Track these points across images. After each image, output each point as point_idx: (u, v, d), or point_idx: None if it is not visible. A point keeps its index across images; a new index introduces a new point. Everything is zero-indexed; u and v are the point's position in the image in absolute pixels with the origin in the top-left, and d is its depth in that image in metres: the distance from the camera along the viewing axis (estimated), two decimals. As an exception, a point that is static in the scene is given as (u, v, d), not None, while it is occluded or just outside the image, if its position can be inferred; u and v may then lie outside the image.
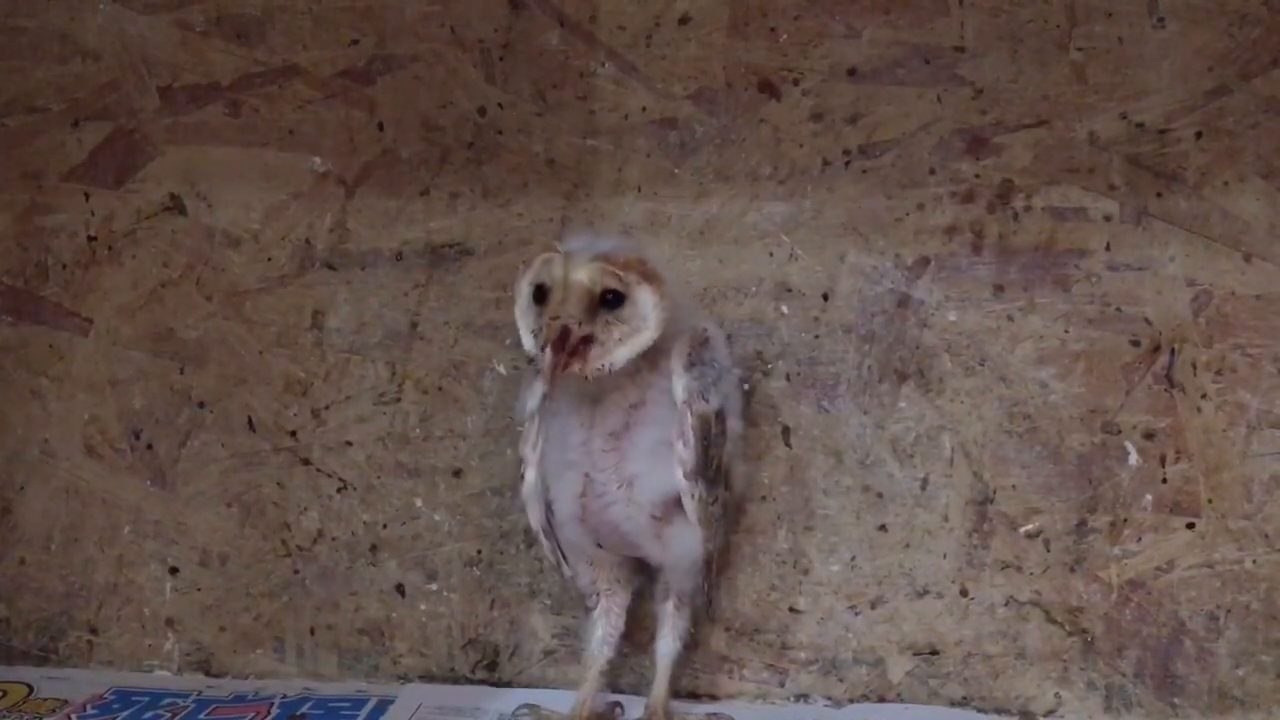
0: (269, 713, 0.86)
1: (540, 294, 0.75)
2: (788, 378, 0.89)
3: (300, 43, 0.92)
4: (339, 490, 0.93)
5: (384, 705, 0.87)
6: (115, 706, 0.87)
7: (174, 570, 0.95)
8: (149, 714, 0.86)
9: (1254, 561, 0.85)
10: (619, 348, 0.74)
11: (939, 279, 0.87)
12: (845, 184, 0.88)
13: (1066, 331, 0.86)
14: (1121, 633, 0.86)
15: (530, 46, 0.90)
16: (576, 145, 0.90)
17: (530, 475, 0.80)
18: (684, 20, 0.89)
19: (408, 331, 0.92)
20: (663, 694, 0.82)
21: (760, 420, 0.89)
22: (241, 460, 0.94)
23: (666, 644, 0.83)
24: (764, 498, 0.89)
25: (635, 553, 0.81)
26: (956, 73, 0.86)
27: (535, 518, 0.81)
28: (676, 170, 0.89)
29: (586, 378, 0.74)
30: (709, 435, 0.77)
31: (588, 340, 0.74)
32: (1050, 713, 0.87)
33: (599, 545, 0.80)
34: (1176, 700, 0.86)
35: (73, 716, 0.86)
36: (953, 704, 0.88)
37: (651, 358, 0.76)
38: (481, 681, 0.92)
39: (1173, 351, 0.85)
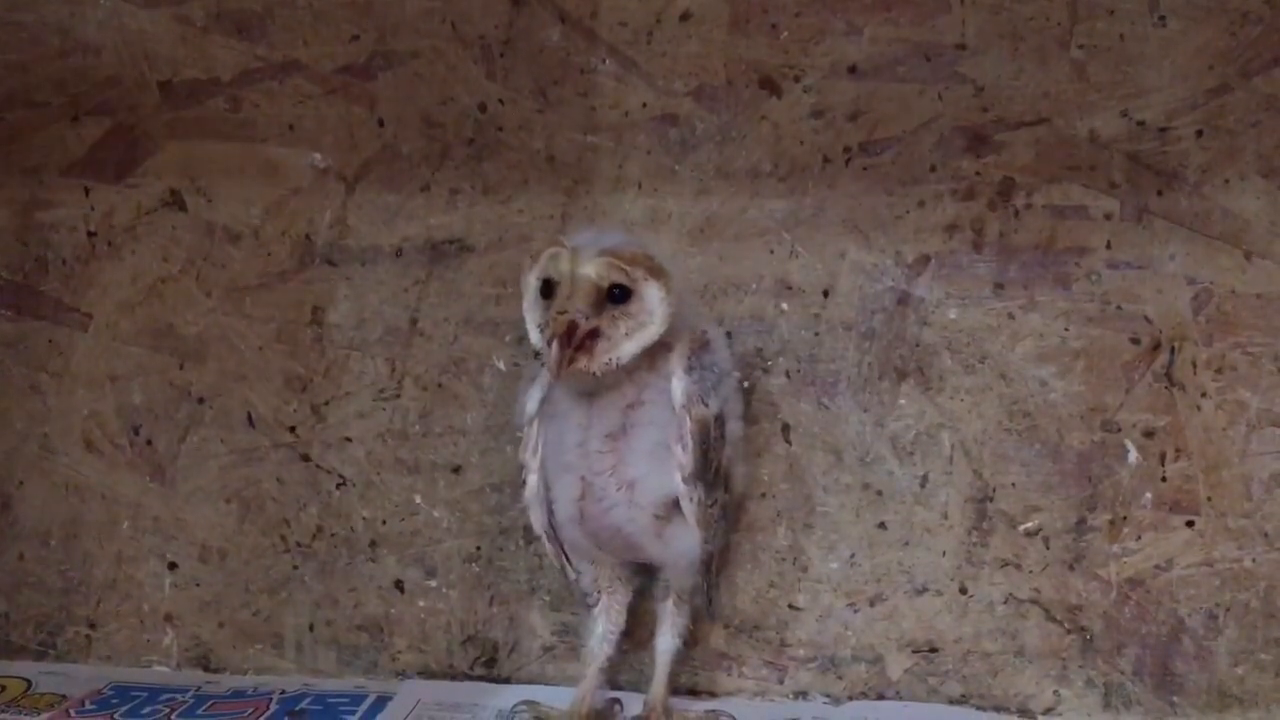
0: (268, 709, 0.86)
1: (547, 288, 0.75)
2: (788, 375, 0.89)
3: (301, 38, 0.92)
4: (338, 486, 0.93)
5: (383, 701, 0.87)
6: (114, 702, 0.87)
7: (173, 566, 0.95)
8: (147, 709, 0.86)
9: (1253, 560, 0.85)
10: (626, 342, 0.74)
11: (939, 276, 0.87)
12: (846, 181, 0.88)
13: (1067, 329, 0.86)
14: (1120, 631, 0.86)
15: (531, 43, 0.90)
16: (577, 142, 0.90)
17: (531, 480, 0.80)
18: (685, 17, 0.88)
19: (408, 328, 0.92)
20: (662, 691, 0.82)
21: (760, 418, 0.89)
22: (241, 456, 0.94)
23: (666, 641, 0.83)
24: (764, 495, 0.89)
25: (636, 555, 0.81)
26: (957, 70, 0.86)
27: (538, 522, 0.81)
28: (677, 167, 0.89)
29: (594, 373, 0.74)
30: (708, 439, 0.77)
31: (594, 335, 0.73)
32: (1049, 710, 0.87)
33: (599, 548, 0.80)
34: (1175, 698, 0.86)
35: (71, 712, 0.86)
36: (951, 701, 0.88)
37: (651, 356, 0.76)
38: (480, 678, 0.92)
39: (1173, 350, 0.85)
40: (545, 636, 0.92)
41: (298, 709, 0.86)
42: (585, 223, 0.88)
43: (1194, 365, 0.85)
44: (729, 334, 0.88)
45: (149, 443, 0.94)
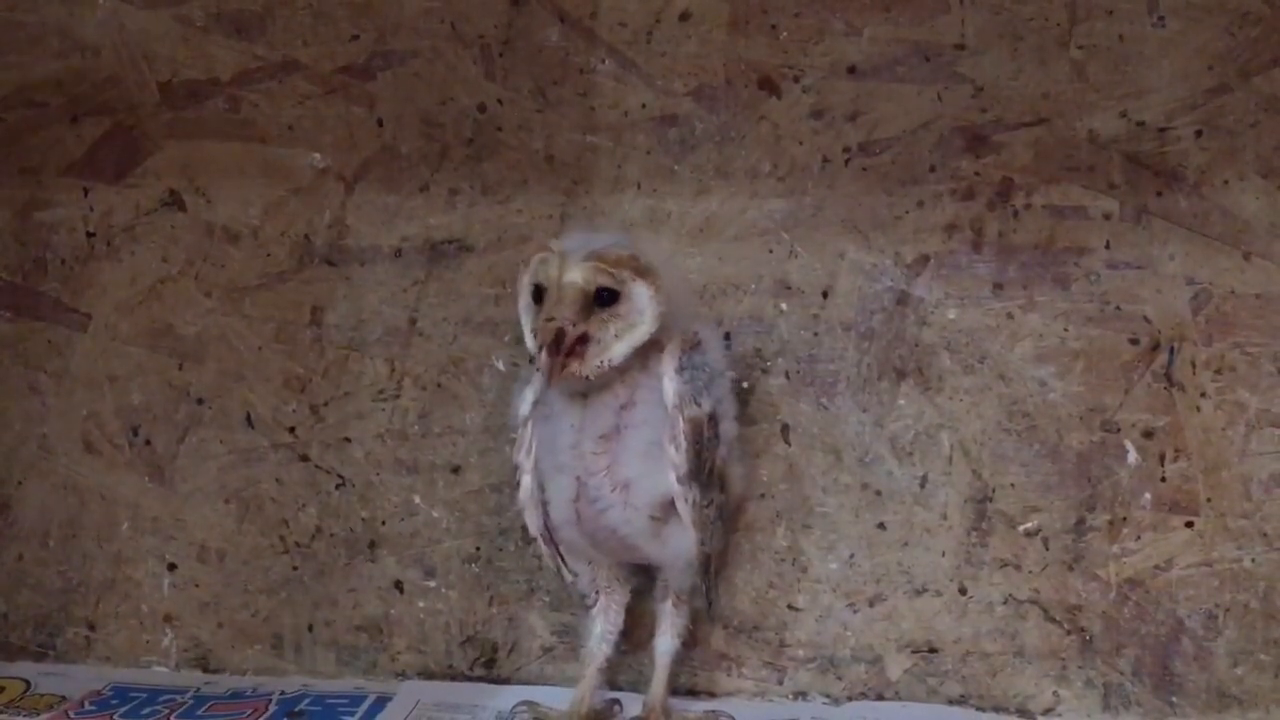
0: (267, 709, 0.86)
1: (539, 294, 0.75)
2: (787, 375, 0.89)
3: (300, 38, 0.92)
4: (337, 487, 0.93)
5: (382, 702, 0.87)
6: (113, 702, 0.87)
7: (172, 566, 0.94)
8: (146, 710, 0.86)
9: (1252, 560, 0.85)
10: (616, 344, 0.74)
11: (938, 277, 0.87)
12: (845, 181, 0.88)
13: (1066, 330, 0.86)
14: (1120, 631, 0.86)
15: (530, 43, 0.90)
16: (576, 142, 0.90)
17: (526, 481, 0.80)
18: (684, 17, 0.88)
19: (407, 328, 0.92)
20: (661, 691, 0.82)
21: (759, 418, 0.89)
22: (240, 456, 0.94)
23: (665, 641, 0.83)
24: (763, 495, 0.89)
25: (633, 556, 0.81)
26: (957, 70, 0.86)
27: (533, 523, 0.81)
28: (676, 167, 0.89)
29: (587, 377, 0.74)
30: (701, 439, 0.77)
31: (584, 340, 0.74)
32: (1048, 711, 0.87)
33: (595, 549, 0.80)
34: (1174, 699, 0.86)
35: (70, 713, 0.86)
36: (951, 702, 0.88)
37: (644, 357, 0.76)
38: (480, 678, 0.92)
39: (1172, 350, 0.85)
40: (544, 637, 0.92)
41: (297, 710, 0.86)
42: (584, 223, 0.88)
43: (1193, 365, 0.85)
44: (728, 334, 0.88)
45: (148, 443, 0.94)
